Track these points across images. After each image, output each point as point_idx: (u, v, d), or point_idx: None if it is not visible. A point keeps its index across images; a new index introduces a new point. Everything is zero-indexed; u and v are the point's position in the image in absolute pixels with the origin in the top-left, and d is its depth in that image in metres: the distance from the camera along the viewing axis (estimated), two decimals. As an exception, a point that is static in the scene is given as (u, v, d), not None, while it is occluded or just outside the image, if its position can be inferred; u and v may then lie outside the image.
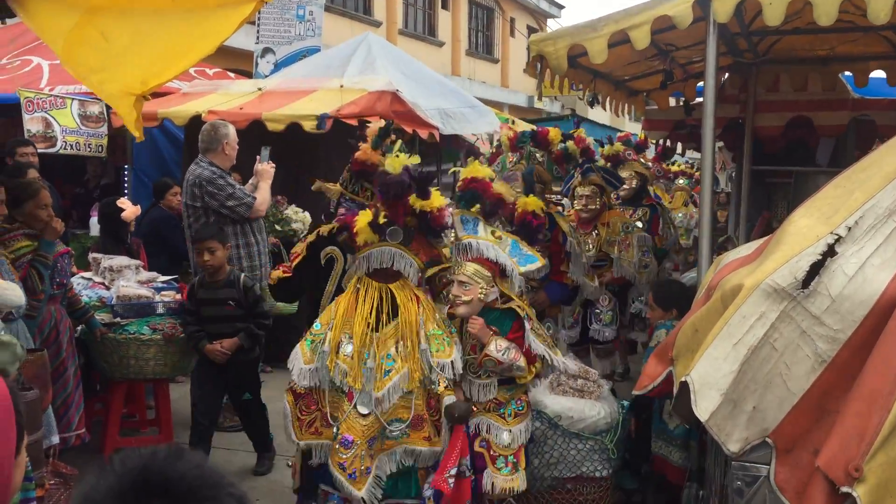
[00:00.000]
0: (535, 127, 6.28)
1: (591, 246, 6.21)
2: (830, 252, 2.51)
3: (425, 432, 3.42)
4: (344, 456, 3.35)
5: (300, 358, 3.51)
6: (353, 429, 3.37)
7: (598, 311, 6.30)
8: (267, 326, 5.00)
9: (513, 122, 10.30)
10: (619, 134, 8.16)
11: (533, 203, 4.26)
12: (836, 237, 2.54)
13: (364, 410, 3.38)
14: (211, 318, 4.84)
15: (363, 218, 3.40)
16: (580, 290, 5.74)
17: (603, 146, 7.73)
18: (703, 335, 2.66)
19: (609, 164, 7.03)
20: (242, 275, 5.00)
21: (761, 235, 6.69)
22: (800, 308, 2.47)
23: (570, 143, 5.81)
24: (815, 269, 2.48)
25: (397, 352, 3.40)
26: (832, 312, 2.43)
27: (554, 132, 5.75)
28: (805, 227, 2.66)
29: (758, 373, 2.47)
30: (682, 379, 2.59)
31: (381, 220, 3.37)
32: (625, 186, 7.07)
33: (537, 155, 5.79)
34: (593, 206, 6.25)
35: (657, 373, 2.97)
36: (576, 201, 6.41)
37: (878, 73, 6.79)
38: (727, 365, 2.49)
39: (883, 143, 7.30)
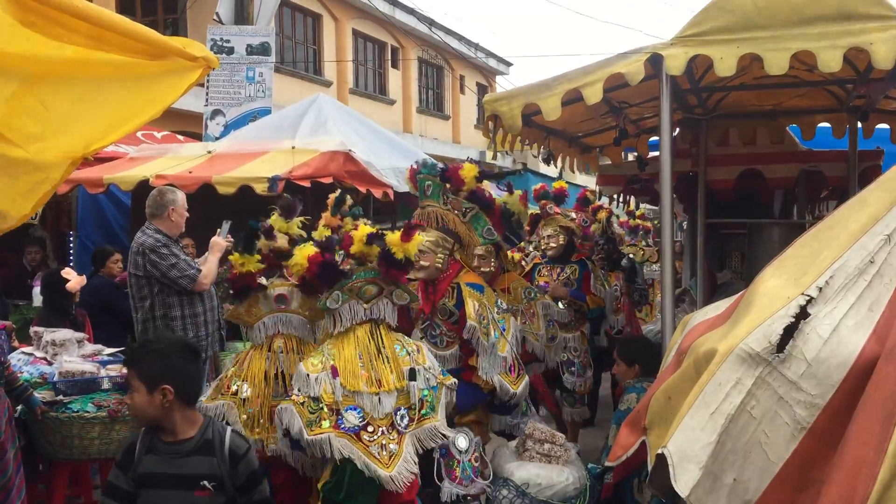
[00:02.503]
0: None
1: None
2: (803, 314, 2.44)
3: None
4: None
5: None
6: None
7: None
8: None
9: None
10: (534, 186, 7.04)
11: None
12: (807, 298, 2.48)
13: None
14: None
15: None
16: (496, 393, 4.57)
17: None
18: (678, 403, 2.56)
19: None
20: (229, 431, 2.84)
21: (707, 286, 6.71)
22: (776, 373, 2.39)
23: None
24: (789, 332, 2.41)
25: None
26: (809, 377, 2.36)
27: (468, 167, 4.79)
28: (775, 288, 2.60)
29: (737, 443, 2.37)
30: (659, 451, 2.48)
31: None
32: (551, 245, 6.57)
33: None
34: (486, 269, 5.00)
35: (630, 443, 2.86)
36: None
37: (825, 125, 6.94)
38: (705, 436, 2.38)
39: (831, 193, 7.46)
